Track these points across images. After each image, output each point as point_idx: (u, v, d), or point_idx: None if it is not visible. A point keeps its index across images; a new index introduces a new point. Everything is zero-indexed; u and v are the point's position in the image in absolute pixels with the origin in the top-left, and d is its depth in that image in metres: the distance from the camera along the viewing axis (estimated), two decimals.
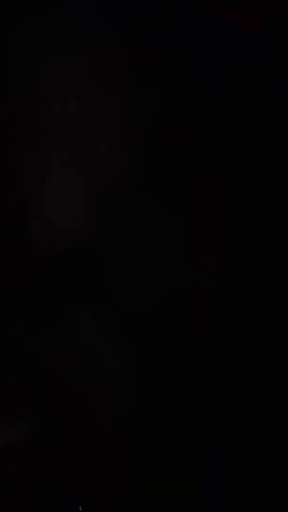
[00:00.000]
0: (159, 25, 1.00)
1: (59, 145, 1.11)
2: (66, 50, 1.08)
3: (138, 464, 1.01)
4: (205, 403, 1.00)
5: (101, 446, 1.05)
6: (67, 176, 1.12)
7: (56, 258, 1.14)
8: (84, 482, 1.06)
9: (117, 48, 1.05)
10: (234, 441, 0.97)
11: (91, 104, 1.09)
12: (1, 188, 1.13)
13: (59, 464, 1.05)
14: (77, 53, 1.09)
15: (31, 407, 1.04)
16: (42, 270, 1.13)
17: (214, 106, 0.99)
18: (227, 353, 1.00)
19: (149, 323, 1.06)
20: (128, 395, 1.04)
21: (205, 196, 1.02)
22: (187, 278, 1.03)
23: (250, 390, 0.98)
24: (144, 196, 1.06)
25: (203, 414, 1.00)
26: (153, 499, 1.00)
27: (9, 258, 1.13)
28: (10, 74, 1.13)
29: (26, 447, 1.04)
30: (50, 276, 1.13)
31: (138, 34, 1.02)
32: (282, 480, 0.94)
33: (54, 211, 1.14)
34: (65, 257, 1.13)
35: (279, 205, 0.95)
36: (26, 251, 1.14)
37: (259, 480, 0.95)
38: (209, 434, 0.99)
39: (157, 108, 1.03)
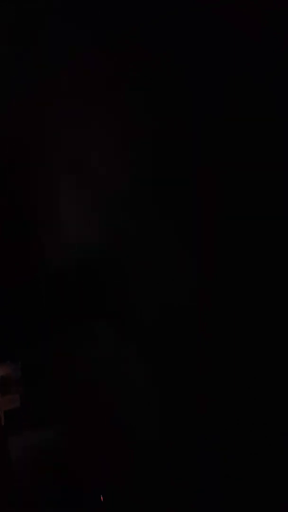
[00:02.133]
0: (159, 26, 1.00)
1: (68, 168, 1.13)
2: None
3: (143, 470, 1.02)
4: (206, 406, 1.01)
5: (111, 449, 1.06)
6: (78, 194, 1.14)
7: (73, 273, 1.15)
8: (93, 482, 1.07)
9: (117, 48, 1.05)
10: (233, 442, 0.97)
11: (94, 117, 1.10)
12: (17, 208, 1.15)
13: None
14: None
15: (55, 416, 1.05)
16: (60, 286, 1.14)
17: (214, 107, 0.99)
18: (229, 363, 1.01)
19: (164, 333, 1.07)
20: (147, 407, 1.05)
21: (206, 203, 1.02)
22: (192, 286, 1.03)
23: (250, 393, 0.98)
24: (150, 205, 1.06)
25: (204, 418, 1.00)
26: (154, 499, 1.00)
27: (26, 275, 1.15)
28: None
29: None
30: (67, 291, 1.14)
31: (138, 35, 1.02)
32: (282, 481, 0.94)
33: (69, 228, 1.15)
34: (81, 271, 1.15)
35: (279, 211, 0.95)
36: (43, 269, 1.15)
37: (258, 482, 0.95)
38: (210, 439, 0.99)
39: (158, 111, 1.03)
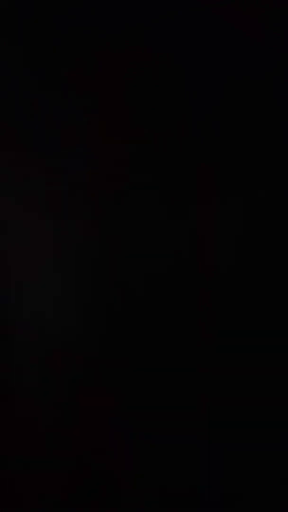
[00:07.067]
0: (159, 25, 1.01)
1: None
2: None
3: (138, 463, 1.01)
4: (205, 402, 1.00)
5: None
6: None
7: None
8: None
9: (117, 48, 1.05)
10: (234, 442, 0.97)
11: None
12: None
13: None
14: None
15: None
16: None
17: (214, 106, 0.99)
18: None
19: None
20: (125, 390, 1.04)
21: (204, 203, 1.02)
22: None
23: (250, 391, 0.98)
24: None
25: (203, 415, 1.00)
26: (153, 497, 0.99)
27: None
28: None
29: None
30: None
31: (138, 35, 1.02)
32: (282, 481, 0.94)
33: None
34: None
35: (279, 208, 0.95)
36: None
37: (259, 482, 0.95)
38: (210, 436, 0.99)
39: (157, 110, 1.03)
